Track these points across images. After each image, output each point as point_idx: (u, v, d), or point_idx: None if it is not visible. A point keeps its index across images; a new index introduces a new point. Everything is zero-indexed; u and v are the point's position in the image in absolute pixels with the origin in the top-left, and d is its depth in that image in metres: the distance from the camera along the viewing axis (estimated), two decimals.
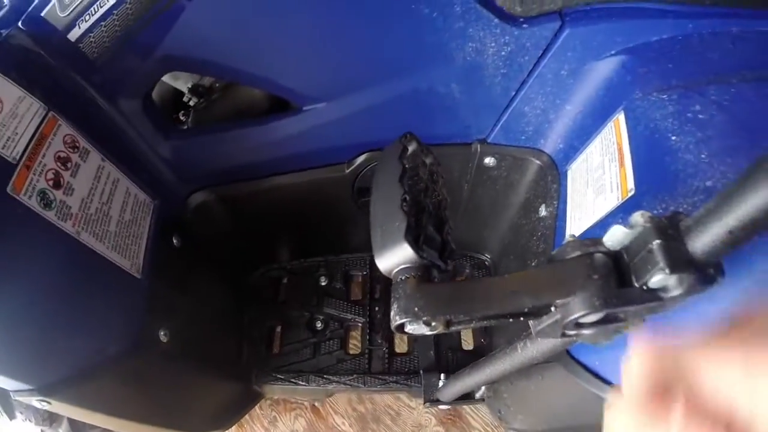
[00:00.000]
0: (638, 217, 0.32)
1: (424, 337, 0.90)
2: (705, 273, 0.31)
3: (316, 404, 1.04)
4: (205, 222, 0.78)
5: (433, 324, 0.37)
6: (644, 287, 0.32)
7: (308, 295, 0.93)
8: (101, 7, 0.56)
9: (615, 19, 0.62)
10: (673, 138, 0.49)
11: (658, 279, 0.31)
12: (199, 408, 0.82)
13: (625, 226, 0.32)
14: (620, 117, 0.59)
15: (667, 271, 0.29)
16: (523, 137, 0.71)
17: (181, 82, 0.81)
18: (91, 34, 0.57)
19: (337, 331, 0.89)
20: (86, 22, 0.57)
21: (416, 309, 0.37)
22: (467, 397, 0.81)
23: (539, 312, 0.35)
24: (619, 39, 0.63)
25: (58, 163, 0.55)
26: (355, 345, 0.90)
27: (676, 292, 0.32)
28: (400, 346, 0.90)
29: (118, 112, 0.63)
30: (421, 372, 0.83)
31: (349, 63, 0.66)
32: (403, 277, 0.38)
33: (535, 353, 0.49)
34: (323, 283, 0.94)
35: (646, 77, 0.59)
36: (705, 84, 0.55)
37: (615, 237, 0.33)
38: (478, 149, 0.73)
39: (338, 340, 0.88)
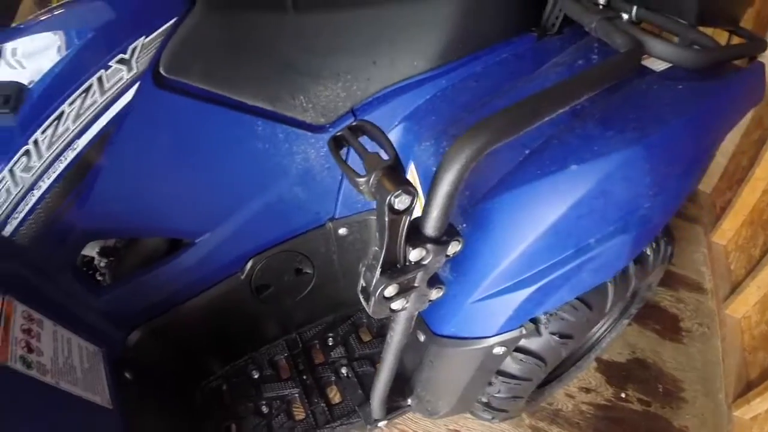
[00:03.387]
0: None
1: (349, 383, 1.17)
2: (439, 241, 0.63)
3: None
4: (144, 354, 0.99)
5: None
6: (409, 262, 0.63)
7: (247, 390, 1.16)
8: (26, 205, 0.78)
9: (392, 99, 0.97)
10: (433, 168, 0.82)
11: (412, 254, 0.62)
12: None
13: None
14: (411, 167, 0.93)
15: (409, 248, 0.61)
16: (358, 205, 1.03)
17: (89, 248, 1.05)
18: (22, 228, 0.79)
19: (282, 407, 1.13)
20: (16, 219, 0.78)
21: None
22: (398, 408, 1.09)
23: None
24: (399, 111, 0.98)
25: (25, 334, 0.77)
26: (299, 411, 1.14)
27: (428, 259, 0.64)
28: (335, 398, 1.17)
29: (55, 285, 0.85)
30: (357, 408, 1.10)
31: (217, 201, 0.94)
32: None
33: (397, 336, 0.78)
34: (255, 376, 1.18)
35: (420, 133, 0.95)
36: (452, 123, 0.90)
37: None
38: (331, 226, 1.04)
39: (284, 414, 1.12)
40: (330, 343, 1.24)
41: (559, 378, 1.44)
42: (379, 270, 0.62)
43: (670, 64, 0.93)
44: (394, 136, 0.98)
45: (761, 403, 1.52)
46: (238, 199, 0.96)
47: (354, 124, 0.67)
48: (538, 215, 0.74)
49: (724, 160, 2.45)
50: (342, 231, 1.06)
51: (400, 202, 0.57)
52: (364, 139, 0.66)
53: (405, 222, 0.59)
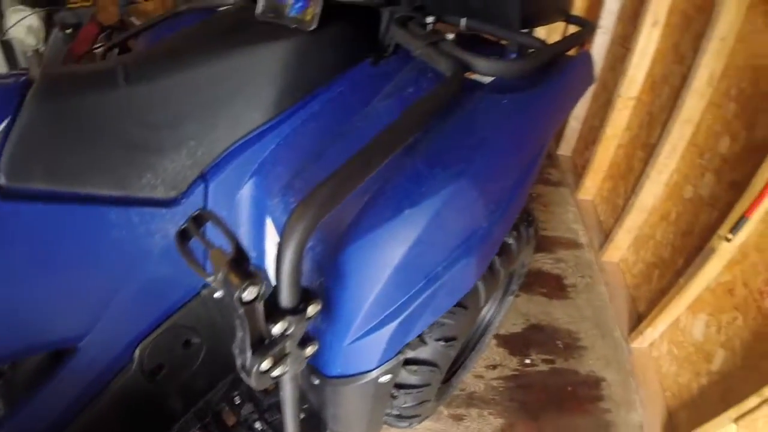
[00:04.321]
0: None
1: None
2: (297, 310, 0.69)
3: None
4: None
5: None
6: (273, 337, 0.69)
7: None
8: None
9: (238, 156, 0.99)
10: None
11: (275, 330, 0.68)
12: None
13: None
14: (268, 222, 0.97)
15: (271, 325, 0.67)
16: None
17: None
18: None
19: None
20: None
21: None
22: None
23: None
24: (247, 167, 1.01)
25: None
26: None
27: (291, 329, 0.70)
28: None
29: None
30: None
31: (88, 300, 0.92)
32: None
33: (289, 394, 0.84)
34: None
35: (270, 187, 0.98)
36: (297, 175, 0.95)
37: None
38: (206, 292, 1.06)
39: None
40: (237, 402, 1.27)
41: (464, 366, 1.56)
42: (249, 352, 0.68)
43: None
44: (246, 192, 1.01)
45: (653, 330, 1.75)
46: (108, 292, 0.95)
47: (195, 214, 0.72)
48: (384, 260, 0.82)
49: (578, 124, 2.72)
50: (218, 294, 1.08)
51: (249, 293, 0.62)
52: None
53: (258, 307, 0.65)
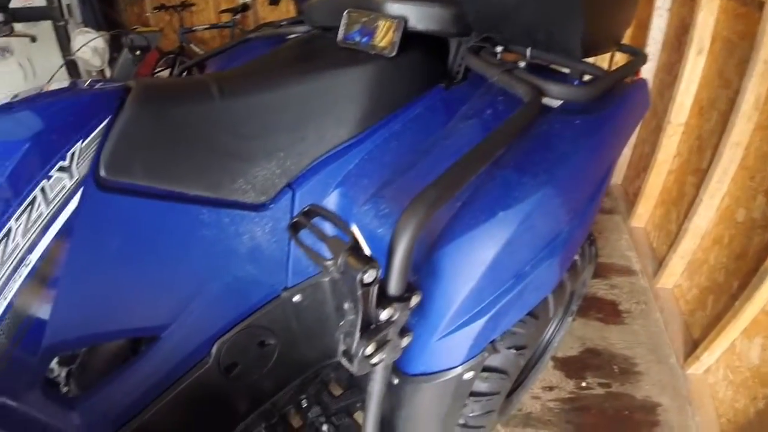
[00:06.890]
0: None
1: None
2: (402, 298, 0.75)
3: None
4: None
5: None
6: (379, 322, 0.75)
7: None
8: None
9: (324, 169, 1.09)
10: (378, 229, 0.94)
11: (382, 315, 0.74)
12: None
13: None
14: (354, 228, 1.04)
15: (380, 311, 0.73)
16: (309, 270, 1.14)
17: None
18: None
19: None
20: None
21: None
22: None
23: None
24: (332, 179, 1.10)
25: None
26: None
27: (396, 316, 0.76)
28: None
29: (28, 406, 0.85)
30: None
31: (175, 292, 0.99)
32: None
33: (379, 385, 0.89)
34: None
35: (355, 197, 1.07)
36: (384, 186, 1.02)
37: None
38: (286, 295, 1.13)
39: None
40: (304, 405, 1.33)
41: (523, 384, 1.59)
42: (358, 334, 0.74)
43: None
44: (332, 200, 1.10)
45: (709, 356, 1.77)
46: (195, 286, 1.02)
47: (307, 209, 0.79)
48: (478, 258, 0.89)
49: (629, 151, 2.79)
50: (296, 298, 1.15)
51: (368, 276, 0.69)
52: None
53: (373, 291, 0.72)
